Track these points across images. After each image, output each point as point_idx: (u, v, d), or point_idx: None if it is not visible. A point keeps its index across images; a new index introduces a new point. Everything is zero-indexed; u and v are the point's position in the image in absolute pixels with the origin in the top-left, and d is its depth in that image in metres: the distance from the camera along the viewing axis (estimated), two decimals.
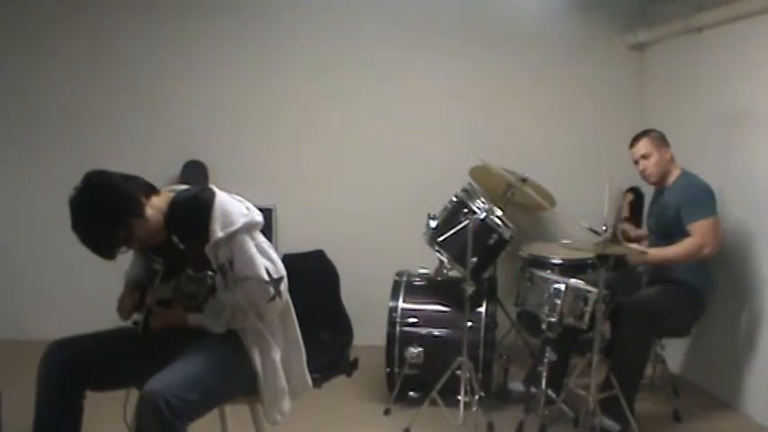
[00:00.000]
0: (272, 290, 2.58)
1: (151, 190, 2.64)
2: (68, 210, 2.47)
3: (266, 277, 2.57)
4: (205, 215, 2.55)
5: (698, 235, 3.80)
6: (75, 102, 5.15)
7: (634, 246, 3.91)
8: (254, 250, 2.59)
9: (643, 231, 4.40)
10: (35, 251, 5.21)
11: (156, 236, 2.63)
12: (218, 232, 2.53)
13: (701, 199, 3.87)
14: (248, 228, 2.60)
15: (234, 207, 2.62)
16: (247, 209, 2.67)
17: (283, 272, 2.66)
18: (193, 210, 2.60)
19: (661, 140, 3.99)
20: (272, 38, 5.19)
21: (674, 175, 4.00)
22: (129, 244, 2.59)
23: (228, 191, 2.72)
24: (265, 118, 5.24)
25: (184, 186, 2.80)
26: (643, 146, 3.98)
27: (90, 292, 4.77)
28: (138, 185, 2.59)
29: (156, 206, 2.61)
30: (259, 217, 2.69)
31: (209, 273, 2.52)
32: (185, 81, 5.19)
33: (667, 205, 3.94)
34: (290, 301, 2.80)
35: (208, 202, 2.58)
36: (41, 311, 5.18)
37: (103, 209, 2.47)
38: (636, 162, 4.05)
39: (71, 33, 5.09)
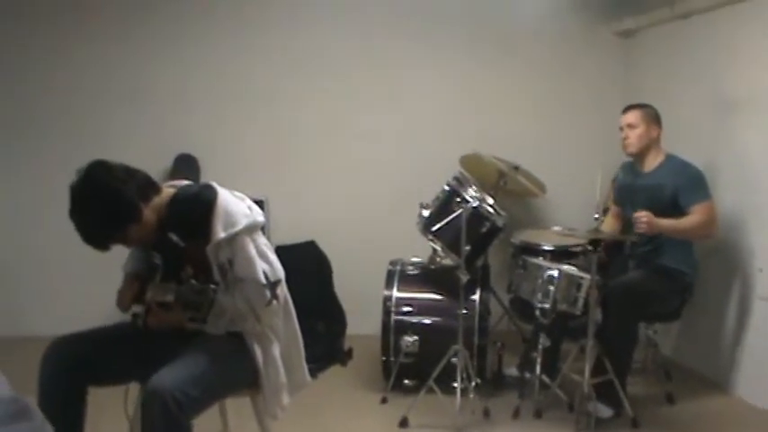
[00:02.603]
0: (268, 293, 2.55)
1: (153, 188, 2.61)
2: (66, 198, 2.47)
3: (263, 280, 2.55)
4: (207, 214, 2.53)
5: (704, 215, 3.81)
6: (59, 99, 5.09)
7: (642, 212, 3.73)
8: (253, 252, 2.57)
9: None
10: (29, 246, 5.14)
11: (152, 234, 2.62)
12: (221, 233, 2.51)
13: (700, 182, 3.89)
14: (250, 229, 2.58)
15: (236, 207, 2.60)
16: (249, 208, 2.65)
17: (281, 275, 2.65)
18: (195, 208, 2.57)
19: (653, 117, 3.99)
20: (259, 27, 5.18)
21: (658, 158, 3.99)
22: (124, 243, 2.62)
23: (225, 186, 2.68)
24: (255, 110, 5.23)
25: (186, 182, 2.79)
26: (632, 116, 3.98)
27: (86, 287, 4.80)
28: (140, 184, 2.56)
29: (155, 207, 2.59)
30: (261, 217, 2.66)
31: (212, 286, 2.49)
32: (173, 74, 5.16)
33: (660, 186, 3.90)
34: (289, 298, 2.81)
35: (210, 201, 2.55)
36: (37, 307, 5.13)
37: (101, 211, 2.47)
38: (621, 129, 4.04)
39: (54, 25, 5.04)
